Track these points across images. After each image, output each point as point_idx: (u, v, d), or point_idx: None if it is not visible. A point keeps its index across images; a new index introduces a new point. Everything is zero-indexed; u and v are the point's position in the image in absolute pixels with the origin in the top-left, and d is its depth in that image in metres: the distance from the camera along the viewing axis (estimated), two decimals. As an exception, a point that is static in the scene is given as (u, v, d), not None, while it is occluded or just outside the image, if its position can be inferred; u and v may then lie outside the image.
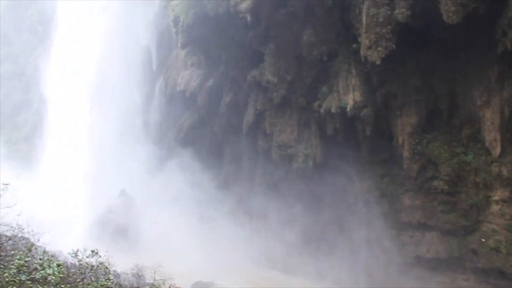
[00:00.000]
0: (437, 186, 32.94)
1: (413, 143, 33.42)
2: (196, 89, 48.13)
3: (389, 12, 30.29)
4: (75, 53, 59.97)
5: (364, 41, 31.56)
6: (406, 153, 33.82)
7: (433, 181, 33.19)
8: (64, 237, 35.25)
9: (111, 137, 54.95)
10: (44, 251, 13.54)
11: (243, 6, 38.52)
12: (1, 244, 13.36)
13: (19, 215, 13.66)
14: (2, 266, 11.94)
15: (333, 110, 36.27)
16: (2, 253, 12.67)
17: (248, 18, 38.74)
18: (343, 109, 35.65)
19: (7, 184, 12.56)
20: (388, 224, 35.55)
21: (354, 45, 34.15)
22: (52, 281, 11.32)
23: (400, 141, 34.13)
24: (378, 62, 31.02)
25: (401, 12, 29.56)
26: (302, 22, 37.36)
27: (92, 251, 13.83)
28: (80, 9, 61.01)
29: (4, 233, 13.84)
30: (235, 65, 44.51)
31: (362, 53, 31.98)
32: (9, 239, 13.83)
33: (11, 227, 14.19)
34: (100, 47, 57.54)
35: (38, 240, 15.02)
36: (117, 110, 56.60)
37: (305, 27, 37.26)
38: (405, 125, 33.85)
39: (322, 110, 37.20)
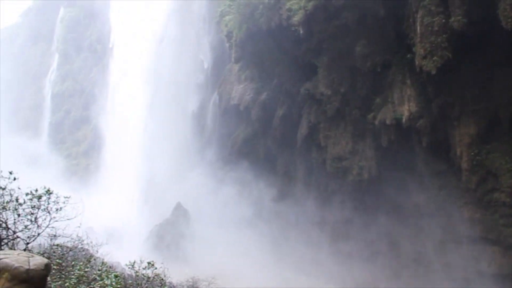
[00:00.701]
0: (498, 199, 31.71)
1: (472, 154, 32.32)
2: (250, 102, 48.43)
3: (444, 20, 29.65)
4: (132, 70, 61.79)
5: (419, 50, 30.98)
6: (464, 165, 32.73)
7: (494, 194, 31.98)
8: (121, 248, 35.97)
9: (167, 151, 55.87)
10: (103, 262, 13.86)
11: (296, 19, 38.61)
12: (63, 255, 13.73)
13: (79, 227, 13.99)
14: (63, 276, 12.27)
15: (388, 122, 35.71)
16: (63, 264, 13.01)
17: (301, 31, 38.79)
18: (398, 120, 35.03)
19: (68, 197, 12.89)
20: (446, 237, 34.55)
21: (408, 55, 33.59)
22: (110, 291, 11.58)
23: (458, 152, 33.09)
24: (433, 72, 30.29)
25: (457, 20, 28.88)
26: (355, 33, 37.10)
27: (149, 263, 14.06)
28: (135, 28, 62.98)
29: (65, 244, 14.22)
30: (289, 78, 44.58)
31: (417, 63, 31.39)
32: (70, 250, 14.21)
33: (72, 238, 14.56)
34: (154, 64, 59.03)
35: (97, 251, 15.39)
36: (172, 123, 57.57)
37: (358, 38, 36.98)
38: (463, 135, 32.84)
39: (376, 122, 36.71)
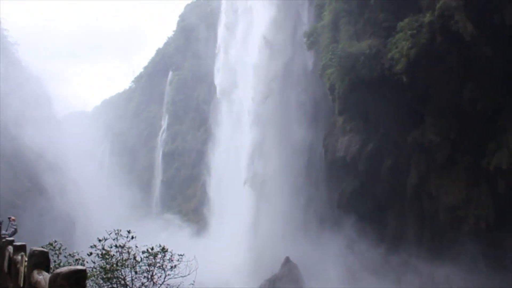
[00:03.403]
0: None
1: None
2: (356, 154, 47.81)
3: (559, 58, 28.11)
4: (237, 129, 63.68)
5: (533, 91, 29.46)
6: None
7: None
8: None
9: (273, 207, 56.19)
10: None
11: (398, 67, 38.22)
12: (177, 310, 14.04)
13: (192, 284, 14.32)
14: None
15: (504, 166, 33.72)
16: (178, 320, 13.30)
17: (404, 79, 38.25)
18: (515, 165, 33.09)
19: (181, 255, 13.30)
20: None
21: (522, 96, 32.02)
22: None
23: None
24: (551, 113, 28.62)
25: None
26: (461, 76, 35.92)
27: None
28: (239, 86, 65.39)
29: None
30: (394, 128, 43.77)
31: (531, 104, 29.82)
32: (184, 307, 14.51)
33: (186, 295, 14.87)
34: (258, 122, 60.36)
35: (209, 307, 15.61)
36: (277, 179, 58.01)
37: (465, 81, 35.76)
38: None
39: (491, 167, 34.79)
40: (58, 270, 4.82)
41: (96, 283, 12.55)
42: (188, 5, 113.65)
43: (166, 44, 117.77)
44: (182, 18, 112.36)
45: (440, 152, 38.16)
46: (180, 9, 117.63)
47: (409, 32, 37.74)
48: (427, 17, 36.47)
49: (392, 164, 44.35)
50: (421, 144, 39.85)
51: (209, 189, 75.10)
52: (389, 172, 44.61)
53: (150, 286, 12.72)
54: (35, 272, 6.25)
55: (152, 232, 54.95)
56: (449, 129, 37.61)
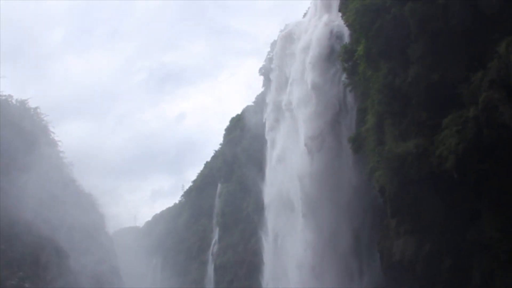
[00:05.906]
0: None
1: None
2: (412, 257, 46.07)
3: None
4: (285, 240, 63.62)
5: None
6: None
7: None
8: None
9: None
10: None
11: (447, 164, 37.65)
12: None
13: None
14: None
15: None
16: None
17: (455, 175, 37.54)
18: None
19: None
20: None
21: None
22: None
23: None
24: None
25: None
26: (515, 167, 35.00)
27: None
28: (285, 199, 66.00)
29: None
30: (450, 227, 42.20)
31: None
32: None
33: None
34: (310, 233, 60.02)
35: None
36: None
37: (519, 172, 34.78)
38: None
39: (561, 262, 32.88)
40: None
41: None
42: (233, 118, 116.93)
43: (213, 157, 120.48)
44: (228, 131, 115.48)
45: (502, 249, 36.38)
46: (226, 123, 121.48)
47: (455, 128, 37.50)
48: (471, 112, 36.30)
49: (451, 265, 42.28)
50: (481, 241, 38.17)
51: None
52: (450, 274, 42.46)
53: None
54: None
55: None
56: (509, 224, 36.06)
